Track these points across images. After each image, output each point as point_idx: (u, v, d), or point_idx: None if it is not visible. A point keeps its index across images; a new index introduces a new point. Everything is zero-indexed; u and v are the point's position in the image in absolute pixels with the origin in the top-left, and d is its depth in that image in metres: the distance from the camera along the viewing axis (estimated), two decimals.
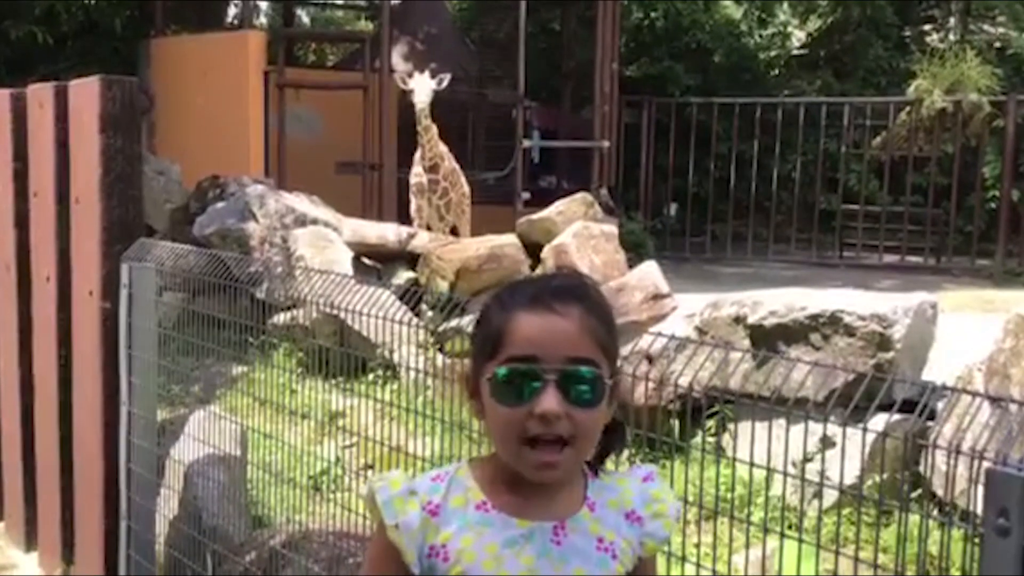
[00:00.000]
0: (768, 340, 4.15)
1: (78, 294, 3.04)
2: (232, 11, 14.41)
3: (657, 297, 5.02)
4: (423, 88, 7.00)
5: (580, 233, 5.86)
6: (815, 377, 4.04)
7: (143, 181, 8.85)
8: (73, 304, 3.08)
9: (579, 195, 6.49)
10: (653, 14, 15.37)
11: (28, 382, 3.32)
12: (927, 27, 16.29)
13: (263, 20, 16.63)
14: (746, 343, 4.21)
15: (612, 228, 6.08)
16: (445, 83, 7.12)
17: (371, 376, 5.77)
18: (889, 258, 12.26)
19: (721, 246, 12.82)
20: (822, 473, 3.49)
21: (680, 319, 4.77)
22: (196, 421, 3.18)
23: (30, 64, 10.20)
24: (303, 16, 17.77)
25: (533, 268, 6.17)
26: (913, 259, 12.25)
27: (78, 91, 2.99)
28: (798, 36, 17.17)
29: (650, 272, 5.17)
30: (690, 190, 13.03)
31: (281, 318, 6.77)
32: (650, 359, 4.74)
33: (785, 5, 16.82)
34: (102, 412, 2.90)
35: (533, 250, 6.20)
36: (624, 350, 4.73)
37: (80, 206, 2.98)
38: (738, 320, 4.28)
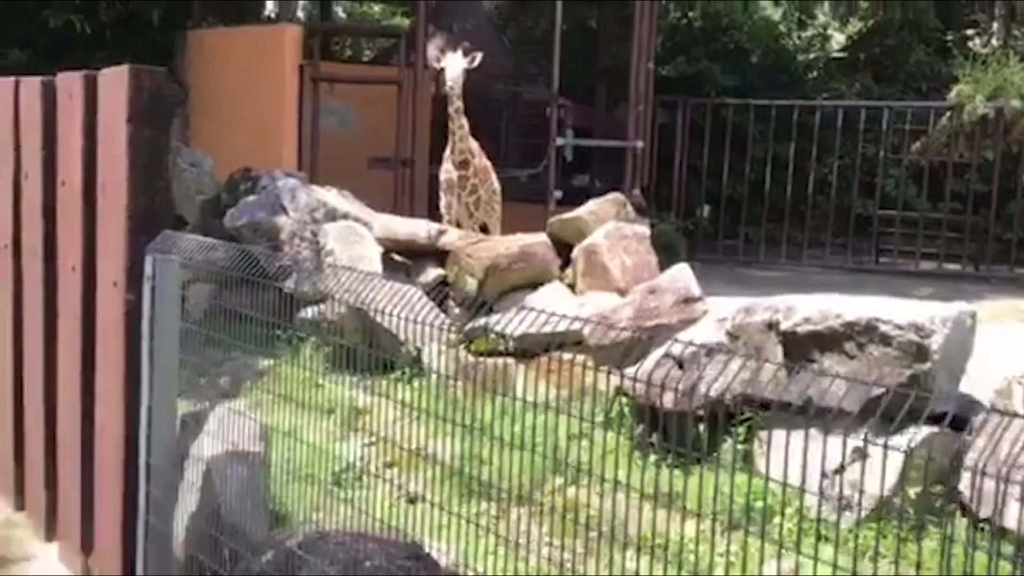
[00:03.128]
0: (801, 347, 4.06)
1: (103, 285, 3.02)
2: (269, 6, 14.45)
3: (688, 300, 4.94)
4: (455, 67, 6.92)
5: (611, 234, 5.79)
6: (850, 387, 3.95)
7: (175, 173, 8.85)
8: (97, 295, 3.06)
9: (611, 195, 6.42)
10: (691, 14, 15.23)
11: (52, 373, 3.31)
12: (969, 32, 16.02)
13: (300, 15, 16.66)
14: (778, 350, 4.13)
15: (644, 229, 6.00)
16: (476, 63, 7.03)
17: (397, 373, 5.75)
18: (926, 265, 12.07)
19: (754, 249, 12.67)
20: (860, 486, 3.40)
21: (711, 323, 4.69)
22: (218, 416, 3.15)
23: (67, 53, 10.25)
24: (340, 12, 17.80)
25: (563, 268, 6.11)
26: (951, 267, 12.05)
27: (107, 80, 2.96)
28: (838, 39, 16.94)
29: (682, 275, 5.09)
30: (724, 192, 12.90)
31: (309, 312, 6.76)
32: (680, 364, 4.67)
33: (825, 6, 16.59)
34: (123, 405, 2.88)
35: (564, 250, 6.14)
36: (655, 354, 4.63)
37: (106, 196, 2.96)
38: (771, 326, 4.19)
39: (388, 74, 11.37)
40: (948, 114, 11.85)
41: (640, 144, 11.51)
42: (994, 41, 15.50)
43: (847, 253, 12.56)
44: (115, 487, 2.96)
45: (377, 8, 18.66)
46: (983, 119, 11.61)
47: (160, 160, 2.90)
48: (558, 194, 10.87)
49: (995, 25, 16.08)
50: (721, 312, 4.89)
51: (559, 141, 11.18)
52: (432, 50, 7.26)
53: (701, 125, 12.79)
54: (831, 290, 10.51)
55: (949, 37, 15.49)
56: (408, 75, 10.53)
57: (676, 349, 4.63)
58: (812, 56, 16.00)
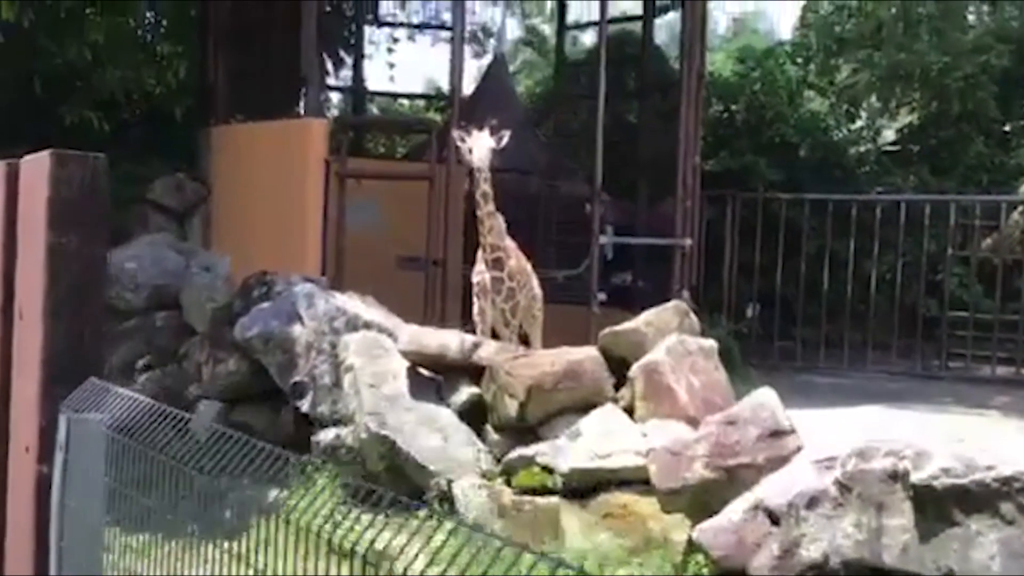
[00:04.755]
0: (939, 505, 3.18)
1: (14, 449, 2.23)
2: (302, 103, 14.01)
3: (776, 434, 4.07)
4: (482, 146, 6.13)
5: (675, 349, 4.96)
6: (1004, 559, 3.06)
7: (187, 277, 8.07)
8: (8, 463, 2.26)
9: (672, 303, 5.59)
10: (734, 107, 14.67)
11: None
12: None
13: (334, 112, 16.27)
14: (906, 506, 3.25)
15: (711, 343, 5.17)
16: (504, 142, 6.25)
17: (425, 510, 4.95)
18: (1003, 371, 11.08)
19: (813, 353, 11.74)
20: None
21: (809, 465, 3.81)
22: None
23: (83, 151, 9.69)
24: (373, 109, 17.43)
25: (618, 387, 5.27)
26: None
27: (30, 171, 2.21)
28: (887, 134, 16.29)
29: (766, 401, 4.23)
30: (777, 291, 12.06)
31: (325, 436, 5.96)
32: (774, 518, 3.78)
33: (873, 98, 15.95)
34: None
35: (617, 365, 5.31)
36: (739, 502, 3.65)
37: (23, 327, 2.19)
38: (895, 476, 3.31)
39: (418, 169, 10.75)
40: (1021, 208, 11.02)
41: (689, 242, 10.73)
42: None
43: (915, 357, 11.59)
44: None
45: (407, 103, 18.30)
46: None
47: (94, 279, 2.13)
48: (602, 296, 10.07)
49: None
50: (816, 447, 4.02)
51: (602, 239, 10.43)
52: (458, 132, 6.52)
53: (752, 221, 12.03)
54: (902, 399, 9.55)
55: (1007, 128, 14.74)
56: (440, 171, 9.88)
57: (769, 498, 3.78)
58: (863, 149, 15.30)
